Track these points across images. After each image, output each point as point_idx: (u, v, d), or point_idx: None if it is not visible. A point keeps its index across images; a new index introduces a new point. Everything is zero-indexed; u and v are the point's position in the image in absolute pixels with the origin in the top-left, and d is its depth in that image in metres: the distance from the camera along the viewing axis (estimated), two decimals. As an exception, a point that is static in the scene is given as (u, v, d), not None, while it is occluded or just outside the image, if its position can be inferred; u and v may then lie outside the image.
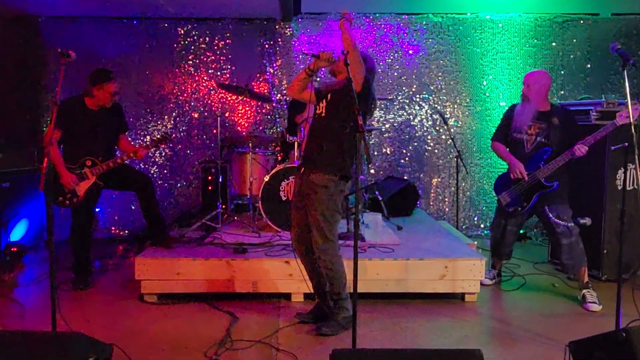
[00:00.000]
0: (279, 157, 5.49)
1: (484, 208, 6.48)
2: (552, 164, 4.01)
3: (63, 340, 2.52)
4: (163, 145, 4.98)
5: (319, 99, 3.57)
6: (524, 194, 4.15)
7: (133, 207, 6.25)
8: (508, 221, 4.34)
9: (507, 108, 4.45)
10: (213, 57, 6.29)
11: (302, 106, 5.22)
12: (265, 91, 6.28)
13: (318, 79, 5.18)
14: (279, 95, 6.31)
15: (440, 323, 3.76)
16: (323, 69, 3.68)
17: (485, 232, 6.31)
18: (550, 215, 4.09)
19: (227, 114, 6.36)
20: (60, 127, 4.22)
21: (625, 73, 3.09)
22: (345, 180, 3.45)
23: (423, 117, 6.46)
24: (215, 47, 6.29)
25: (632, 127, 3.08)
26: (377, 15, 6.31)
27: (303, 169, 3.51)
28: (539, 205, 4.14)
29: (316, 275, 3.62)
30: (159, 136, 4.75)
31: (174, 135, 6.29)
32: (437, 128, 6.45)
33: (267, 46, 6.30)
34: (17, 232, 5.41)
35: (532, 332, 3.57)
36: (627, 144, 3.24)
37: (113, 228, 6.28)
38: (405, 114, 6.46)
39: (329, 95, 3.47)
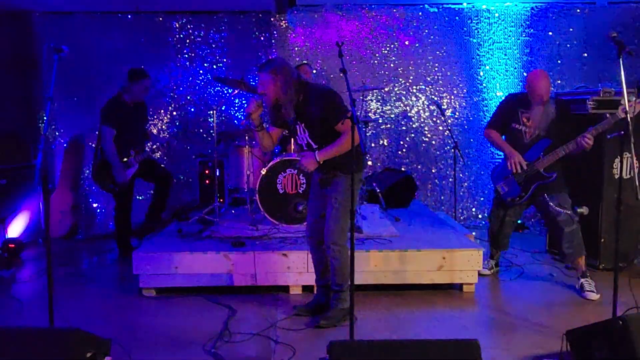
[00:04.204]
0: (276, 150, 5.47)
1: (481, 199, 6.48)
2: (552, 155, 3.99)
3: (61, 336, 2.53)
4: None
5: (290, 126, 3.51)
6: (522, 184, 4.14)
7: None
8: (507, 212, 4.33)
9: (504, 97, 4.43)
10: (208, 51, 6.27)
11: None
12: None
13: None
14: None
15: (438, 314, 3.77)
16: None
17: (483, 222, 6.32)
18: (551, 204, 4.05)
19: (223, 108, 6.34)
20: (113, 126, 4.85)
21: (621, 61, 3.08)
22: (361, 170, 3.54)
23: (420, 108, 6.44)
24: (211, 41, 6.26)
25: (627, 116, 3.07)
26: (373, 6, 6.28)
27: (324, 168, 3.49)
28: (538, 195, 4.12)
29: (322, 265, 3.65)
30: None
31: (170, 130, 6.29)
32: (434, 119, 6.44)
33: (262, 39, 6.27)
34: (15, 229, 5.40)
35: (530, 322, 3.58)
36: (622, 132, 3.24)
37: (111, 223, 6.27)
38: (402, 105, 6.44)
39: (302, 126, 3.43)
